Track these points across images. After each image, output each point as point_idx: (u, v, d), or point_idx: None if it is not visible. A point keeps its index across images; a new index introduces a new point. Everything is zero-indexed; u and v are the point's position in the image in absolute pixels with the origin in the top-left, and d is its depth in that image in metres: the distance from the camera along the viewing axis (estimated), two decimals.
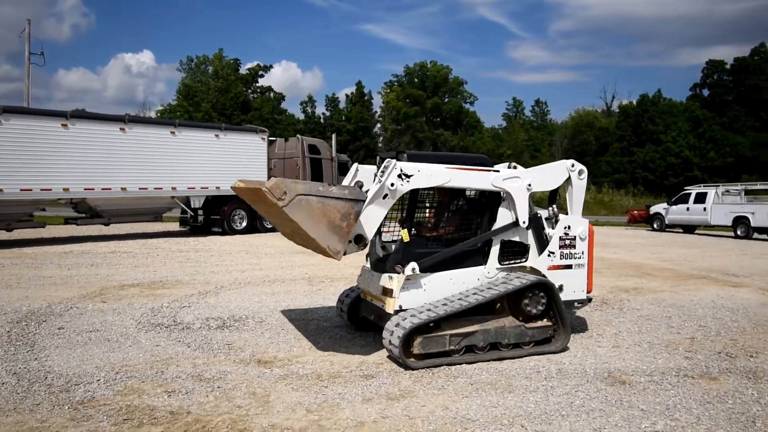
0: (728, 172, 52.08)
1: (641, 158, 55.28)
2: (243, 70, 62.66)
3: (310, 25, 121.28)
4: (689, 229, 26.24)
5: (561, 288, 6.16)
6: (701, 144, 55.44)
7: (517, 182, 6.04)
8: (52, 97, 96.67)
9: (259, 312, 7.67)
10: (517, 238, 6.20)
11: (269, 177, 20.89)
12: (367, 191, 5.59)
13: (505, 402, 4.53)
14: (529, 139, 66.87)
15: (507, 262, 6.17)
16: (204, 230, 20.49)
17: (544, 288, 5.88)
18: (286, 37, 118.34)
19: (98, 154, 16.59)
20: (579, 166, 6.49)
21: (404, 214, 6.30)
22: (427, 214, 6.72)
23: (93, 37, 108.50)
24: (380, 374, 5.17)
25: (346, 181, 6.31)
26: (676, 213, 25.92)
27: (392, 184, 5.43)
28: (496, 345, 5.62)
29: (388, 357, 5.60)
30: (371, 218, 5.47)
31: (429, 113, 64.95)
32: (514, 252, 6.22)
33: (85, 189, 16.46)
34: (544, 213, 6.52)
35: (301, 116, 64.35)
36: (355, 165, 6.37)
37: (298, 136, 23.27)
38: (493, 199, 6.11)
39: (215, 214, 20.15)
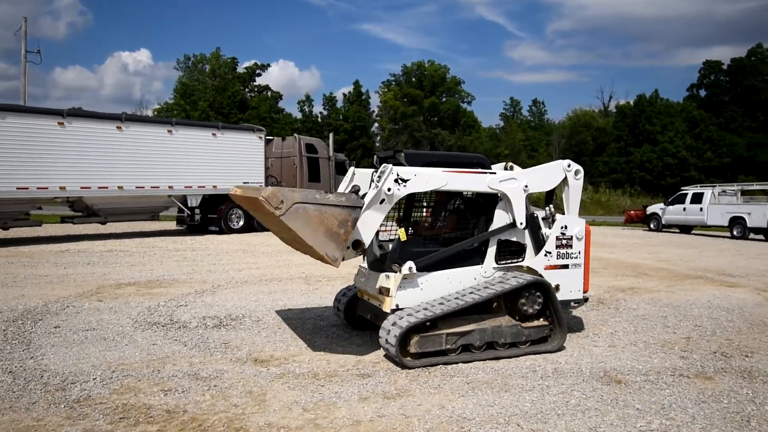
0: (725, 172, 52.16)
1: (638, 158, 55.36)
2: (240, 69, 62.64)
3: (308, 24, 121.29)
4: (686, 229, 26.29)
5: (557, 287, 6.17)
6: (698, 144, 55.54)
7: (514, 184, 6.05)
8: (49, 96, 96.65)
9: (256, 311, 7.67)
10: (513, 238, 6.21)
11: (266, 176, 20.95)
12: (364, 195, 5.60)
13: (501, 401, 4.54)
14: (526, 138, 66.91)
15: (504, 262, 6.18)
16: (201, 229, 20.47)
17: (540, 287, 5.89)
18: (283, 36, 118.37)
19: (95, 153, 16.57)
20: (575, 166, 6.50)
21: (401, 214, 6.31)
22: (424, 214, 6.73)
23: (90, 35, 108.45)
24: (377, 373, 5.17)
25: (343, 185, 6.32)
26: (672, 213, 25.97)
27: (389, 189, 5.44)
28: (493, 344, 5.63)
29: (385, 356, 5.61)
30: (369, 223, 5.48)
31: (426, 113, 64.95)
32: (510, 252, 6.23)
33: (81, 187, 16.44)
34: (540, 213, 6.53)
35: (299, 115, 64.39)
36: (352, 169, 6.38)
37: (295, 135, 23.28)
38: (490, 200, 6.12)
39: (212, 213, 20.13)
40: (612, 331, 6.89)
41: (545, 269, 6.23)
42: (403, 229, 5.87)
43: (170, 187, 18.46)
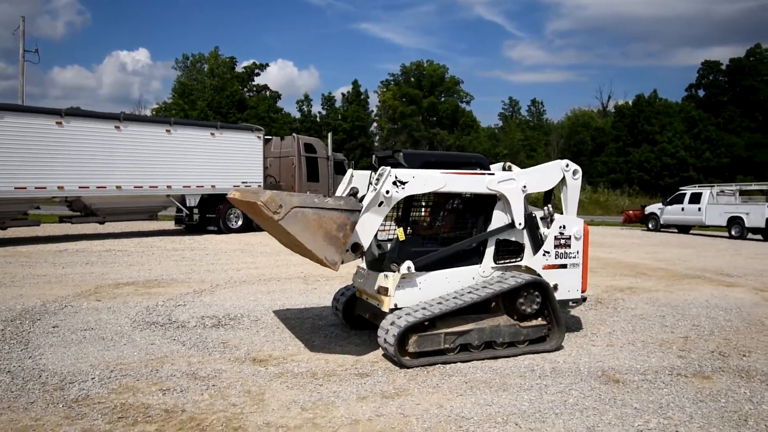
0: (723, 172, 52.23)
1: (637, 158, 55.42)
2: (239, 69, 62.65)
3: (307, 24, 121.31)
4: (684, 229, 26.33)
5: (556, 287, 6.18)
6: (696, 144, 55.61)
7: (512, 184, 6.05)
8: (47, 95, 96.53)
9: (255, 310, 7.67)
10: (512, 238, 6.21)
11: (265, 176, 20.94)
12: (362, 197, 5.60)
13: (500, 400, 4.54)
14: (525, 138, 66.96)
15: (502, 262, 6.18)
16: (199, 229, 20.47)
17: (539, 287, 5.90)
18: (282, 35, 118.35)
19: (93, 153, 16.55)
20: (573, 166, 6.51)
21: (400, 214, 6.31)
22: (422, 214, 6.73)
23: (88, 35, 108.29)
24: (375, 372, 5.17)
25: (341, 187, 6.33)
26: (671, 213, 26.01)
27: (387, 192, 5.44)
28: (491, 344, 5.63)
29: (383, 355, 5.61)
30: (368, 226, 5.48)
31: (425, 112, 64.97)
32: (509, 251, 6.24)
33: (79, 187, 16.43)
34: (539, 212, 6.54)
35: (297, 115, 64.38)
36: (350, 171, 6.38)
37: (294, 134, 23.27)
38: (488, 200, 6.12)
39: (211, 213, 20.12)
40: (610, 331, 6.90)
41: (544, 269, 6.23)
42: (401, 228, 5.87)
43: (169, 187, 18.45)
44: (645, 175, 54.51)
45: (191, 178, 18.95)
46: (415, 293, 5.68)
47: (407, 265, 5.59)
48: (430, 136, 62.24)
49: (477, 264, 6.06)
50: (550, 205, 6.53)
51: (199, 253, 14.50)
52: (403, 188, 5.51)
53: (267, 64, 66.77)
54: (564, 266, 6.34)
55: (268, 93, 63.72)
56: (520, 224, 6.10)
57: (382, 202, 5.46)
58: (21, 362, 5.31)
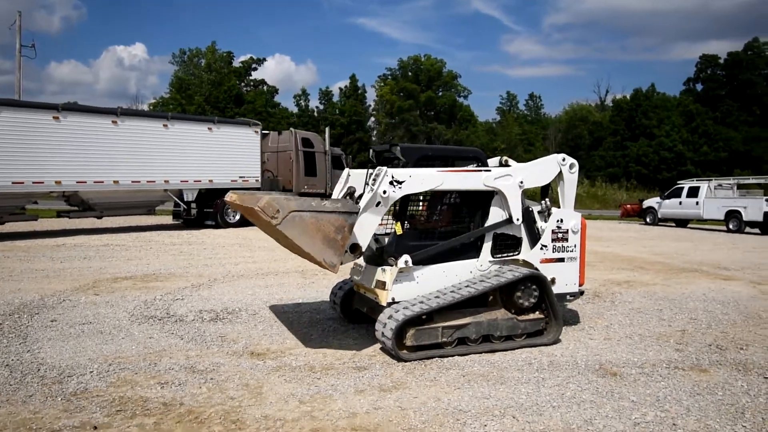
0: (721, 166, 52.28)
1: (634, 152, 55.43)
2: (236, 63, 62.47)
3: (304, 19, 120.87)
4: (682, 223, 26.36)
5: (553, 281, 6.20)
6: (694, 138, 55.62)
7: (509, 180, 6.06)
8: (44, 90, 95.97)
9: (253, 304, 7.68)
10: (509, 232, 6.22)
11: (263, 171, 20.90)
12: (360, 195, 5.59)
13: (497, 393, 4.56)
14: (522, 133, 66.89)
15: (500, 256, 6.19)
16: (197, 223, 20.42)
17: (536, 281, 5.91)
18: (279, 30, 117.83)
19: (90, 147, 16.50)
20: (570, 160, 6.51)
21: (397, 208, 6.31)
22: (420, 208, 6.73)
23: (84, 30, 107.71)
24: (373, 366, 5.19)
25: (338, 187, 6.33)
26: (668, 207, 26.02)
27: (384, 192, 5.43)
28: (489, 337, 5.65)
29: (381, 349, 5.62)
30: (366, 227, 5.47)
31: (423, 107, 64.88)
32: (506, 245, 6.24)
33: (77, 182, 16.38)
34: (536, 207, 6.54)
35: (295, 109, 64.18)
36: (347, 170, 6.38)
37: (291, 129, 23.22)
38: (486, 195, 6.12)
39: (208, 207, 20.07)
40: (607, 324, 6.92)
41: (541, 263, 6.25)
42: (399, 222, 5.87)
43: (166, 182, 18.41)
44: (643, 169, 54.55)
45: (189, 172, 18.92)
46: (413, 287, 5.68)
47: (405, 259, 5.60)
48: (428, 130, 62.19)
49: (474, 258, 6.07)
50: (547, 199, 6.54)
51: (197, 247, 14.49)
52: (400, 188, 5.51)
53: (264, 59, 66.61)
54: (561, 260, 6.35)
55: (265, 88, 63.55)
56: (517, 220, 6.11)
57: (379, 203, 5.46)
58: (19, 356, 5.31)
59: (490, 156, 6.67)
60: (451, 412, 4.18)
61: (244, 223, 20.47)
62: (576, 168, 6.55)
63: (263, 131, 21.74)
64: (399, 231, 5.79)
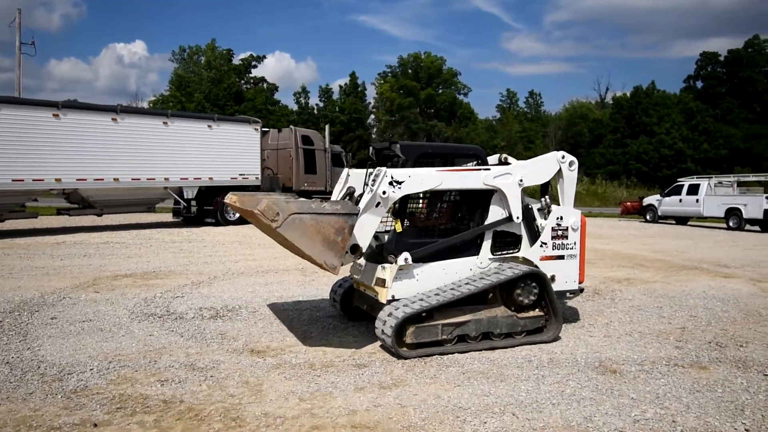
0: (721, 164, 52.26)
1: (635, 150, 55.38)
2: (236, 61, 62.38)
3: (304, 16, 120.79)
4: (682, 220, 26.35)
5: (553, 278, 6.19)
6: (694, 136, 55.57)
7: (509, 179, 6.05)
8: (44, 88, 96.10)
9: (252, 302, 7.68)
10: (509, 229, 6.22)
11: (262, 168, 20.90)
12: (360, 195, 5.59)
13: (497, 391, 4.56)
14: (523, 130, 66.85)
15: (499, 253, 6.19)
16: (197, 221, 20.44)
17: (536, 278, 5.91)
18: (279, 27, 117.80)
19: (90, 145, 16.51)
20: (569, 157, 6.50)
21: (397, 206, 6.31)
22: (420, 206, 6.73)
23: (84, 27, 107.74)
24: (373, 363, 5.19)
25: (337, 187, 6.33)
26: (668, 204, 26.02)
27: (384, 192, 5.42)
28: (488, 335, 5.65)
29: (381, 346, 5.63)
30: (366, 228, 5.47)
31: (423, 104, 64.84)
32: (506, 243, 6.24)
33: (77, 179, 16.40)
34: (536, 204, 6.54)
35: (295, 107, 64.12)
36: (346, 170, 6.39)
37: (291, 126, 23.22)
38: (486, 194, 6.12)
39: (208, 205, 20.10)
40: (607, 322, 6.93)
41: (541, 260, 6.24)
42: (399, 220, 5.87)
43: (166, 179, 18.42)
44: (643, 166, 54.50)
45: (189, 170, 18.93)
46: (413, 284, 5.68)
47: (404, 256, 5.59)
48: (428, 128, 62.16)
49: (474, 255, 6.06)
50: (547, 197, 6.53)
51: (197, 245, 14.49)
52: (399, 188, 5.50)
53: (264, 56, 66.50)
54: (561, 257, 6.35)
55: (265, 85, 63.49)
56: (517, 218, 6.11)
57: (379, 203, 5.45)
58: (20, 353, 5.31)
59: (490, 153, 6.67)
60: (451, 409, 4.18)
61: (243, 220, 20.44)
62: (576, 165, 6.54)
63: (263, 129, 21.74)
64: (399, 228, 5.79)
